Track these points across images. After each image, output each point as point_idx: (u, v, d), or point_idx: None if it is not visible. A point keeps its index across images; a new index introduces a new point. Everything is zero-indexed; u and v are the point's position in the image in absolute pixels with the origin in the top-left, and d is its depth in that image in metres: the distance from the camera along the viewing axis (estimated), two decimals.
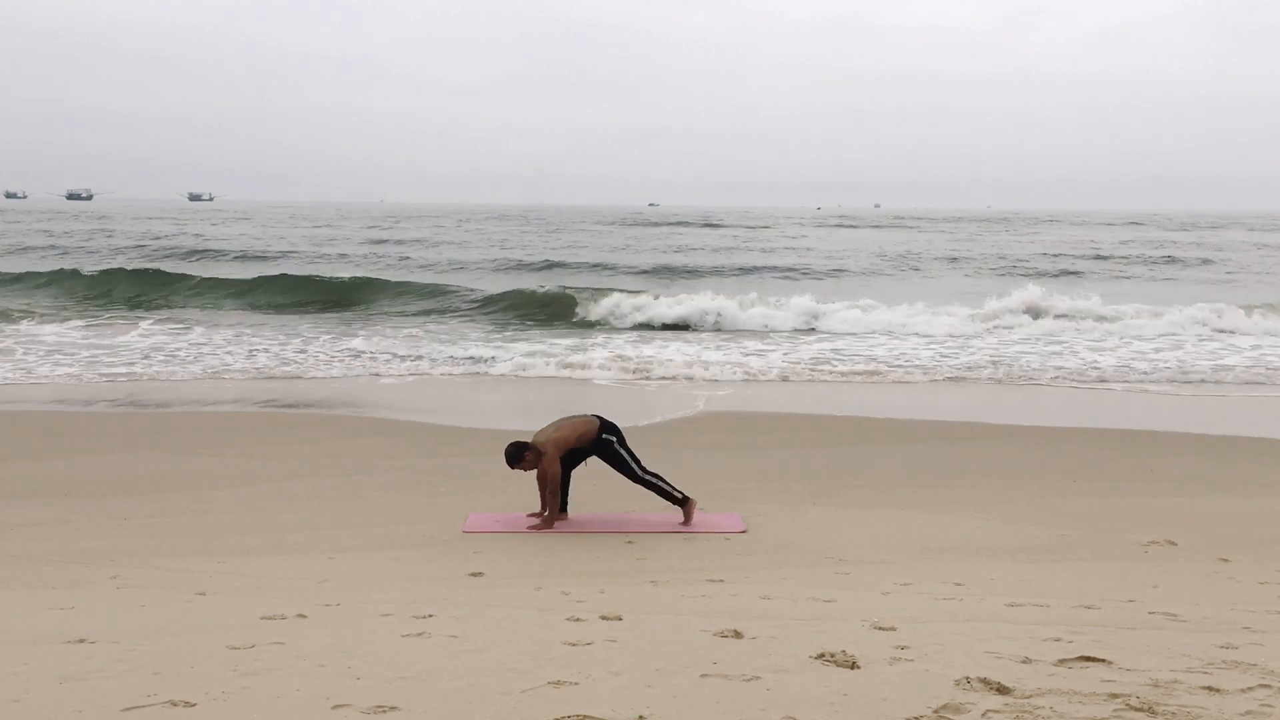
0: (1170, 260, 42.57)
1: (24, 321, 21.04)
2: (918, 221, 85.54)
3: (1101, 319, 21.96)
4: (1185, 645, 4.22)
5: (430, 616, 4.75)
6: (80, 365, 15.86)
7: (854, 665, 3.90)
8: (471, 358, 16.71)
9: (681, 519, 7.32)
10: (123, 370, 15.53)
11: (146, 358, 16.65)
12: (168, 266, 33.13)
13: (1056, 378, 15.53)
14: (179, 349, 17.70)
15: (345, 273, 30.94)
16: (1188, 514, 7.67)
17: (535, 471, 7.39)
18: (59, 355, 16.85)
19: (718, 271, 34.96)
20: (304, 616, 4.82)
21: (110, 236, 49.74)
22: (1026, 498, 8.21)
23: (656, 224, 73.80)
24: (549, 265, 36.39)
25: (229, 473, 9.05)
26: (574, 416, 7.62)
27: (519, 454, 7.29)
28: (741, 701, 3.50)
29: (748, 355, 17.70)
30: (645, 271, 34.82)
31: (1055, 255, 44.39)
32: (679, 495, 7.40)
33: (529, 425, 11.31)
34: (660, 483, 7.42)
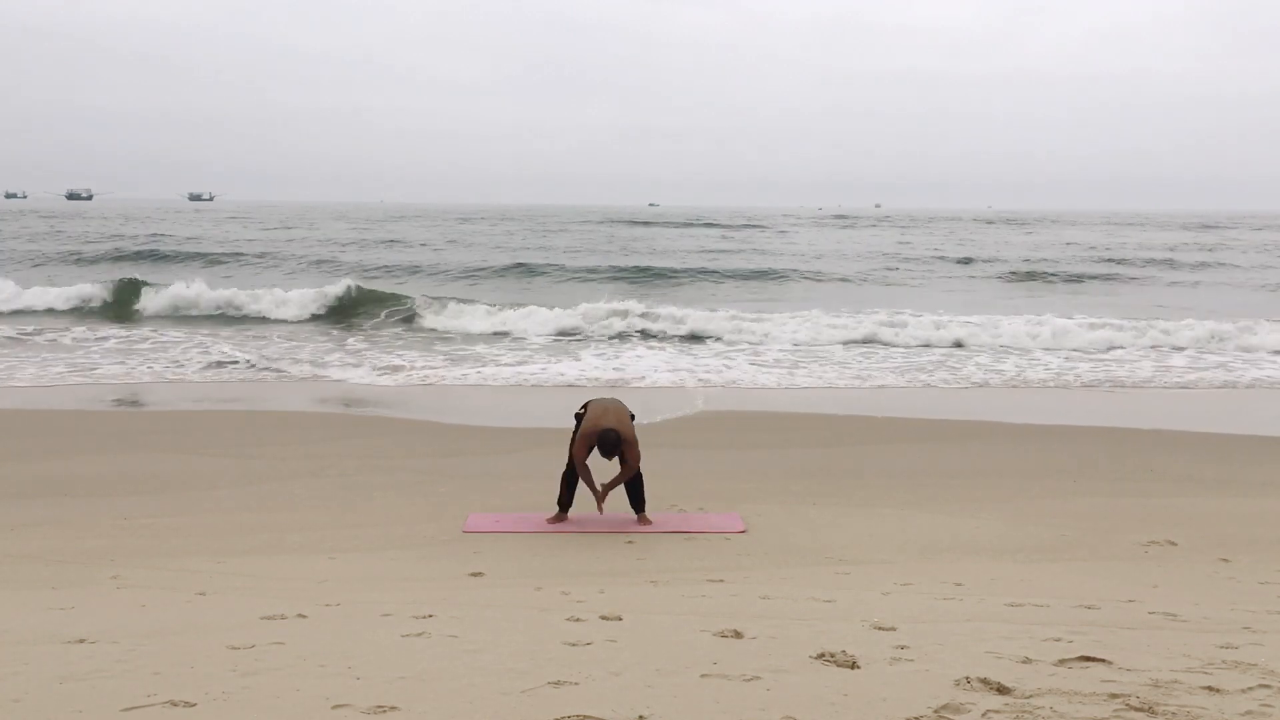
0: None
1: None
2: (911, 222, 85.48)
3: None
4: (1185, 645, 4.22)
5: (430, 616, 4.75)
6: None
7: (854, 665, 3.90)
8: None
9: (636, 520, 7.42)
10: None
11: None
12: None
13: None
14: None
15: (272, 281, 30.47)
16: (1188, 514, 7.68)
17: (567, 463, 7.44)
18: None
19: (669, 275, 33.98)
20: (304, 616, 4.82)
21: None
22: (1026, 498, 8.21)
23: (648, 224, 73.82)
24: (516, 268, 35.42)
25: (229, 473, 9.05)
26: (602, 406, 7.52)
27: (620, 442, 7.23)
28: (741, 701, 3.50)
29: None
30: (618, 274, 34.00)
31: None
32: (643, 504, 7.46)
33: (527, 425, 11.35)
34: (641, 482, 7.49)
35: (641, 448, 7.44)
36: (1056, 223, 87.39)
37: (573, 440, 7.46)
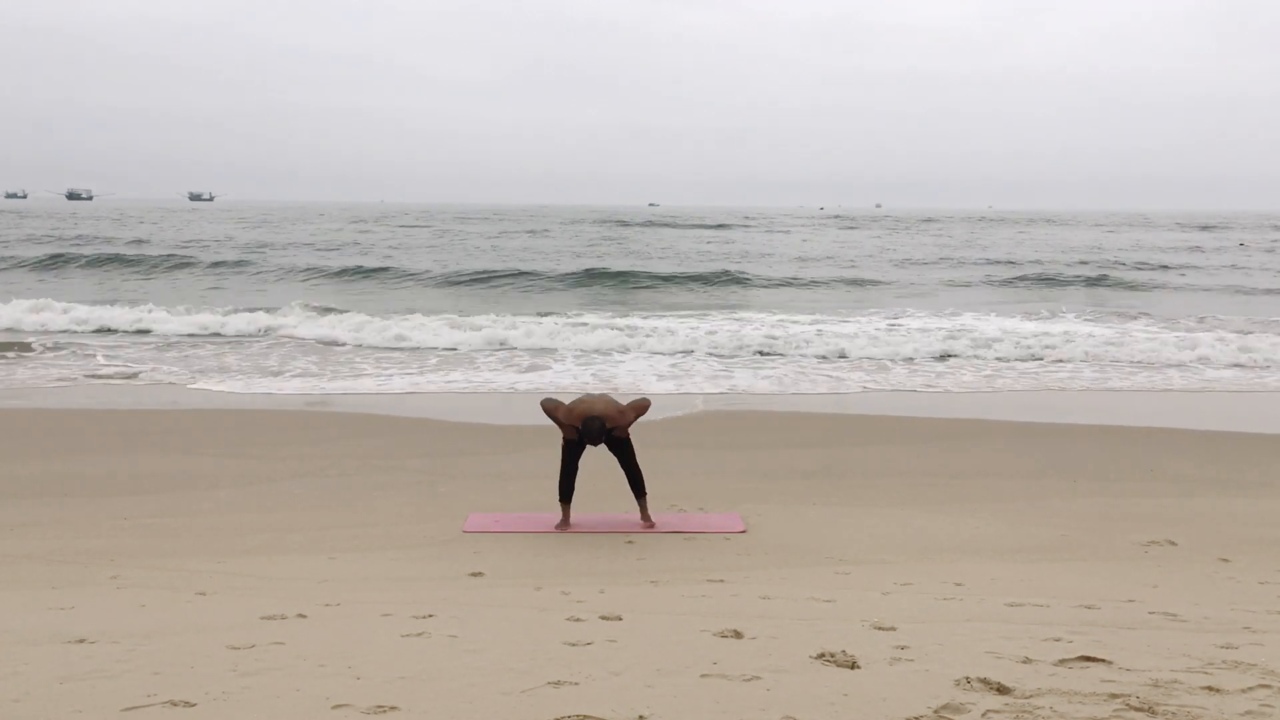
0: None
1: None
2: (903, 223, 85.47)
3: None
4: (1185, 645, 4.22)
5: (430, 616, 4.75)
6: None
7: (854, 665, 3.89)
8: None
9: (640, 518, 7.38)
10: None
11: None
12: None
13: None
14: None
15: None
16: (1188, 514, 7.68)
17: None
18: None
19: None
20: (304, 616, 4.82)
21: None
22: (1026, 498, 8.21)
23: (634, 224, 74.05)
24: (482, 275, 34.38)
25: (229, 473, 9.05)
26: (590, 399, 7.51)
27: (604, 429, 7.22)
28: (741, 701, 3.50)
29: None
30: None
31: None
32: (644, 490, 7.42)
33: (527, 424, 11.34)
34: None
35: (642, 447, 7.44)
36: (1053, 223, 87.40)
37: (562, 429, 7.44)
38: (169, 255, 38.77)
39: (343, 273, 34.66)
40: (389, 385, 14.60)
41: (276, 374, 15.46)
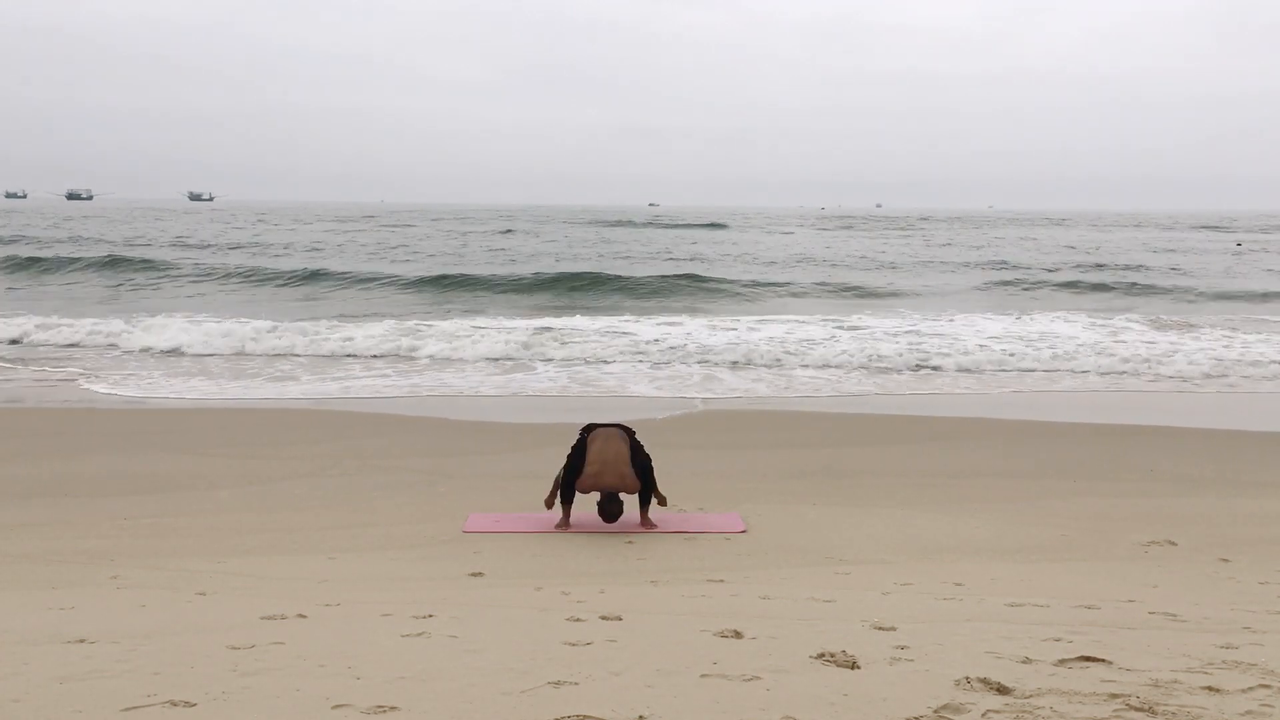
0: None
1: None
2: (897, 221, 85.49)
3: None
4: (1185, 645, 4.22)
5: (430, 616, 4.75)
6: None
7: (854, 665, 3.89)
8: None
9: (640, 521, 7.38)
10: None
11: None
12: None
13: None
14: None
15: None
16: (1188, 514, 7.68)
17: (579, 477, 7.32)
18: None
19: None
20: (304, 616, 4.82)
21: None
22: (1026, 498, 8.21)
23: (633, 224, 74.25)
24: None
25: (229, 473, 9.05)
26: (601, 457, 7.26)
27: (621, 510, 7.29)
28: (741, 701, 3.50)
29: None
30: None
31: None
32: (649, 501, 7.43)
33: (527, 424, 11.36)
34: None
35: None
36: (1053, 223, 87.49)
37: (570, 464, 7.34)
38: (147, 260, 38.46)
39: (316, 275, 34.27)
40: (374, 388, 14.61)
41: (258, 376, 15.47)
